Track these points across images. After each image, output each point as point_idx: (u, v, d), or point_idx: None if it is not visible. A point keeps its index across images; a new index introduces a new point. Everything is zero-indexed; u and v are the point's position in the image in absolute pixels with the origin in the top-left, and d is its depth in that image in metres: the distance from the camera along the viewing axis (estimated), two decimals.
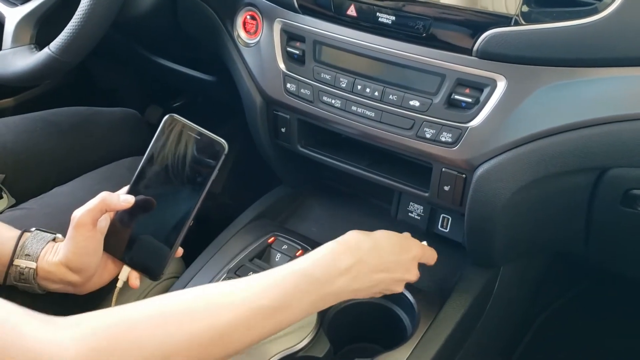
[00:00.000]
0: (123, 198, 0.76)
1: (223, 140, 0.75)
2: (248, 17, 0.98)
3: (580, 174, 0.78)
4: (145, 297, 0.92)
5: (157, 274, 0.78)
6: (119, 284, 0.79)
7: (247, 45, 0.99)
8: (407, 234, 0.84)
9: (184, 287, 0.92)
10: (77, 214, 0.73)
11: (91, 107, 1.33)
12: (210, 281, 0.92)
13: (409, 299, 0.90)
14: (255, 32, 0.97)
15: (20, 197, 1.08)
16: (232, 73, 1.05)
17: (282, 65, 0.93)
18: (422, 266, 0.83)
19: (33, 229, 0.80)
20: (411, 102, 0.81)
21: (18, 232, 0.79)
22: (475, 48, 0.75)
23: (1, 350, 0.51)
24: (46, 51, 1.00)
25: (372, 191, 1.12)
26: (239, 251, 0.97)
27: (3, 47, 1.07)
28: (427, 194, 0.88)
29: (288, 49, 0.92)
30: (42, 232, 0.80)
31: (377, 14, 0.82)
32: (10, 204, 1.07)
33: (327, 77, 0.88)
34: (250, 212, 1.07)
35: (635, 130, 0.72)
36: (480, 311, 0.96)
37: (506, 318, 1.12)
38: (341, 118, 0.88)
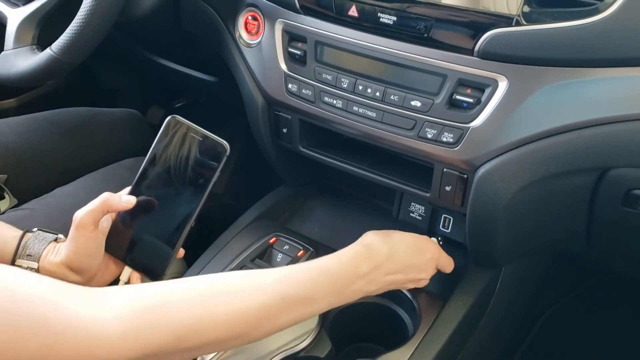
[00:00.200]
0: (125, 199, 0.76)
1: (225, 142, 0.75)
2: (249, 17, 0.98)
3: (582, 174, 0.78)
4: None
5: (159, 275, 0.78)
6: (121, 285, 0.79)
7: (248, 45, 0.99)
8: (424, 236, 0.86)
9: None
10: (79, 214, 0.73)
11: (93, 107, 1.33)
12: None
13: (410, 299, 0.90)
14: (257, 32, 0.97)
15: (22, 198, 1.09)
16: (233, 73, 1.05)
17: (283, 66, 0.93)
18: None
19: (35, 229, 0.80)
20: (412, 103, 0.82)
21: (20, 232, 0.79)
22: (476, 48, 0.75)
23: (46, 327, 0.52)
24: (48, 52, 1.00)
25: (373, 191, 1.12)
26: (241, 251, 0.97)
27: (5, 48, 1.07)
28: (428, 195, 0.88)
29: (289, 49, 0.92)
30: (44, 233, 0.80)
31: (379, 14, 0.82)
32: (12, 204, 1.08)
33: (329, 77, 0.88)
34: (251, 212, 1.08)
35: (637, 131, 0.72)
36: (482, 311, 0.96)
37: (508, 318, 1.12)
38: (342, 118, 0.88)
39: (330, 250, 0.96)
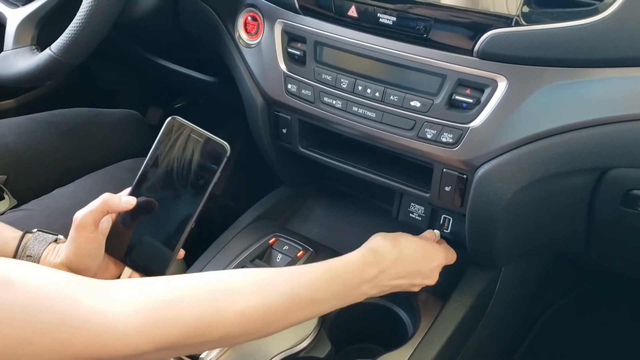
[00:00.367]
0: (125, 199, 0.76)
1: (225, 143, 0.75)
2: (249, 18, 0.98)
3: (581, 174, 0.78)
4: None
5: (159, 276, 0.78)
6: None
7: (248, 46, 0.99)
8: (432, 242, 0.87)
9: None
10: (79, 215, 0.73)
11: (92, 108, 1.33)
12: None
13: (410, 300, 0.90)
14: (256, 33, 0.97)
15: (22, 198, 1.09)
16: (233, 74, 1.05)
17: (283, 66, 0.93)
18: None
19: (35, 230, 0.80)
20: (412, 103, 0.82)
21: (20, 233, 0.79)
22: (476, 49, 0.76)
23: (64, 322, 0.53)
24: (47, 52, 1.00)
25: (373, 192, 1.12)
26: (240, 252, 0.97)
27: (4, 48, 1.07)
28: (427, 195, 0.88)
29: (289, 49, 0.92)
30: (44, 233, 0.80)
31: (378, 14, 0.82)
32: (12, 205, 1.08)
33: (328, 77, 0.88)
34: (251, 213, 1.08)
35: (636, 131, 0.72)
36: (482, 311, 0.96)
37: (507, 318, 1.12)
38: (342, 119, 0.88)
39: (330, 250, 0.96)
